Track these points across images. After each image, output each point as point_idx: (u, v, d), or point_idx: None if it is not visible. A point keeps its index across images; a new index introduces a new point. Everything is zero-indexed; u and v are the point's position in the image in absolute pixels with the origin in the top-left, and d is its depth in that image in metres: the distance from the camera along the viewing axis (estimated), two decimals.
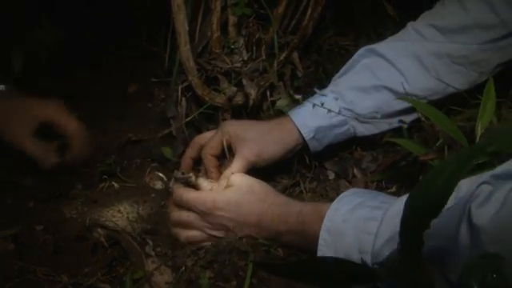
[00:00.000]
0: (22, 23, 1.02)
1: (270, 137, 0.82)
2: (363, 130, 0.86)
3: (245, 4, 0.91)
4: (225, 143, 0.81)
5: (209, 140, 0.84)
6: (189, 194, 0.74)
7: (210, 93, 0.92)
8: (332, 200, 0.82)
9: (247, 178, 0.76)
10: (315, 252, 0.66)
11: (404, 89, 0.82)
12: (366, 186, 0.82)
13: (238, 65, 0.92)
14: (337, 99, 0.83)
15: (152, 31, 1.16)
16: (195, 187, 0.77)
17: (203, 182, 0.78)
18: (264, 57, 0.93)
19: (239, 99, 0.93)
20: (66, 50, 1.08)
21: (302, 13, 1.00)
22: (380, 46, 0.86)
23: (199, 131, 0.95)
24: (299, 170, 0.88)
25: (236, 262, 0.70)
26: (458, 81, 0.83)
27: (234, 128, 0.82)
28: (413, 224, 0.43)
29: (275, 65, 0.94)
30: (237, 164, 0.79)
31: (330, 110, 0.81)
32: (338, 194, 0.83)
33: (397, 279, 0.46)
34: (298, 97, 0.88)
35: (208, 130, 0.94)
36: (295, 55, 0.99)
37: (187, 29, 0.89)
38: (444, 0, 0.86)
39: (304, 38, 1.00)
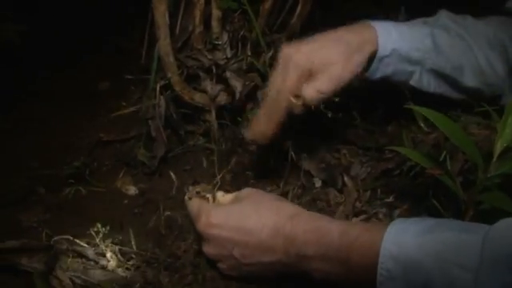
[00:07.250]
0: None
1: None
2: (426, 83, 0.78)
3: None
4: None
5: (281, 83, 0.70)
6: (192, 206, 0.63)
7: (190, 91, 0.87)
8: (322, 211, 0.77)
9: (253, 189, 0.65)
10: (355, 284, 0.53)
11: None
12: (359, 196, 0.76)
13: (221, 62, 0.86)
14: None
15: (126, 25, 1.11)
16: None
17: (218, 195, 0.66)
18: (249, 54, 0.87)
19: (221, 99, 0.86)
20: (32, 44, 1.02)
21: (289, 11, 0.95)
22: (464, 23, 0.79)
23: (177, 133, 0.89)
24: (281, 175, 0.81)
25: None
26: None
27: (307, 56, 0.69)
28: None
29: (261, 63, 0.88)
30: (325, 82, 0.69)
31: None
32: (328, 204, 0.79)
33: None
34: None
35: (186, 131, 0.89)
36: None
37: (168, 21, 0.82)
38: None
39: (291, 36, 0.94)
